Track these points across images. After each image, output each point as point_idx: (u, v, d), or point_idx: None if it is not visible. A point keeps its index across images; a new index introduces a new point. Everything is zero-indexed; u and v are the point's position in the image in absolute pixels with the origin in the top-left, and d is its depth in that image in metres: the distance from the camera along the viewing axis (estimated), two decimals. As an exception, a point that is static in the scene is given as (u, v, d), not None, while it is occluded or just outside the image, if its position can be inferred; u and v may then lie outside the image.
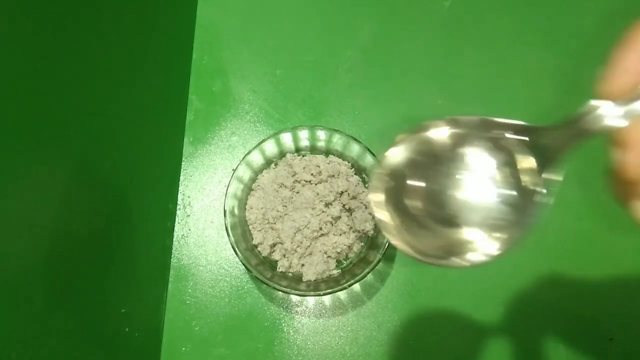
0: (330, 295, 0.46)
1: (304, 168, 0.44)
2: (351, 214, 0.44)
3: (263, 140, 0.43)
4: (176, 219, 0.48)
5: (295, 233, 0.42)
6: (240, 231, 0.43)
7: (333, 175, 0.44)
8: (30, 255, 0.31)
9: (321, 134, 0.44)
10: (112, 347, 0.39)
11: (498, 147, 0.17)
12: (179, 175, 0.49)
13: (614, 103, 0.16)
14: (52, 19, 0.32)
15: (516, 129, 0.17)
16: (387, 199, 0.18)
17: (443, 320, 0.45)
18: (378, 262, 0.40)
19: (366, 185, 0.43)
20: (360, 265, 0.42)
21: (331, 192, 0.43)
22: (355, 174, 0.45)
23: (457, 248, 0.17)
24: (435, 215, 0.17)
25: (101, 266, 0.38)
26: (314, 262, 0.43)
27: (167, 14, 0.50)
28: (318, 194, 0.43)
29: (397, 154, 0.18)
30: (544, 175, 0.16)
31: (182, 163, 0.49)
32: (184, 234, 0.47)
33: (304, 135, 0.44)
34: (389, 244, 0.40)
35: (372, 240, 0.44)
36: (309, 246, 0.43)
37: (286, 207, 0.43)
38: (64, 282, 0.33)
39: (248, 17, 0.53)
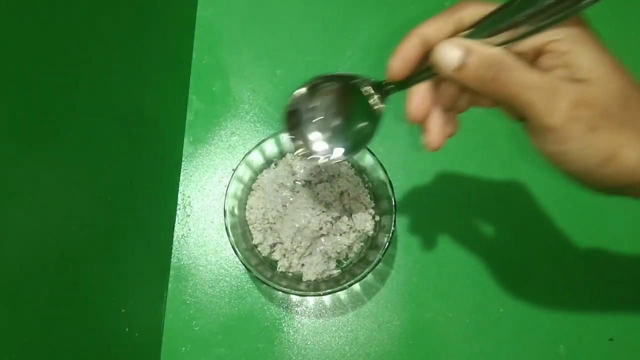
0: (330, 295, 0.46)
1: (304, 168, 0.44)
2: (351, 215, 0.44)
3: (263, 140, 0.43)
4: (176, 219, 0.48)
5: (295, 233, 0.42)
6: (240, 231, 0.43)
7: (333, 176, 0.44)
8: (30, 256, 0.31)
9: (321, 134, 0.44)
10: (112, 347, 0.39)
11: (355, 88, 0.28)
12: (179, 175, 0.49)
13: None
14: (52, 20, 0.32)
15: (365, 78, 0.28)
16: (293, 119, 0.30)
17: (443, 320, 0.45)
18: (378, 262, 0.40)
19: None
20: (360, 265, 0.42)
21: (331, 192, 0.43)
22: (355, 174, 0.45)
23: (332, 148, 0.30)
24: (320, 127, 0.30)
25: (101, 266, 0.38)
26: (314, 262, 0.43)
27: (167, 14, 0.50)
28: (318, 195, 0.43)
29: (300, 93, 0.30)
30: (378, 101, 0.28)
31: (182, 163, 0.49)
32: (184, 234, 0.47)
33: (304, 135, 0.44)
34: (389, 244, 0.40)
35: (372, 240, 0.44)
36: (309, 246, 0.43)
37: (286, 207, 0.43)
38: (64, 282, 0.33)
39: (248, 17, 0.53)
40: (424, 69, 0.26)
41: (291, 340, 0.45)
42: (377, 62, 0.52)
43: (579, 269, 0.46)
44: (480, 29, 0.24)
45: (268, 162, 0.46)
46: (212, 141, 0.50)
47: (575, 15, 0.22)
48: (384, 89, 0.28)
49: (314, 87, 0.29)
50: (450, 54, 0.24)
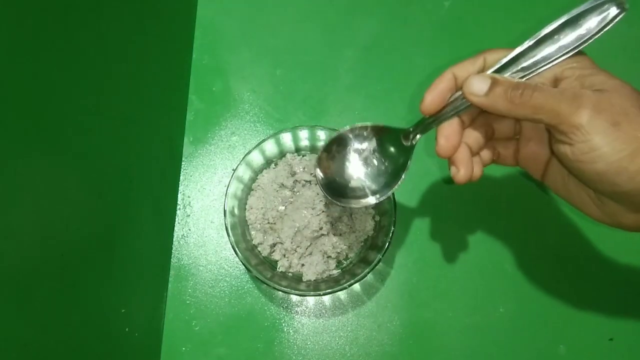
0: (330, 295, 0.46)
1: (304, 168, 0.44)
2: (351, 215, 0.44)
3: (263, 140, 0.43)
4: (176, 219, 0.48)
5: (295, 233, 0.42)
6: (240, 231, 0.43)
7: (333, 175, 0.44)
8: (30, 256, 0.31)
9: (321, 134, 0.44)
10: (112, 347, 0.39)
11: (384, 139, 0.32)
12: (179, 175, 0.49)
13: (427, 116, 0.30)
14: (52, 19, 0.32)
15: (395, 129, 0.32)
16: (324, 166, 0.33)
17: (443, 320, 0.45)
18: (378, 262, 0.40)
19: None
20: (360, 265, 0.42)
21: (331, 192, 0.43)
22: (355, 174, 0.45)
23: (357, 196, 0.33)
24: (348, 176, 0.33)
25: (101, 266, 0.38)
26: (314, 262, 0.43)
27: (167, 14, 0.50)
28: (318, 194, 0.43)
29: (332, 142, 0.33)
30: (405, 155, 0.32)
31: (182, 163, 0.49)
32: (184, 234, 0.47)
33: (304, 135, 0.44)
34: (389, 244, 0.40)
35: (372, 240, 0.44)
36: (309, 246, 0.43)
37: (286, 207, 0.43)
38: (64, 282, 0.33)
39: (248, 17, 0.53)
40: (450, 109, 0.30)
41: (291, 340, 0.45)
42: (377, 62, 0.52)
43: (579, 268, 0.46)
44: (503, 68, 0.28)
45: (268, 162, 0.46)
46: (212, 141, 0.50)
47: (581, 48, 0.27)
48: (413, 132, 0.31)
49: (353, 132, 0.33)
50: (480, 83, 0.27)
